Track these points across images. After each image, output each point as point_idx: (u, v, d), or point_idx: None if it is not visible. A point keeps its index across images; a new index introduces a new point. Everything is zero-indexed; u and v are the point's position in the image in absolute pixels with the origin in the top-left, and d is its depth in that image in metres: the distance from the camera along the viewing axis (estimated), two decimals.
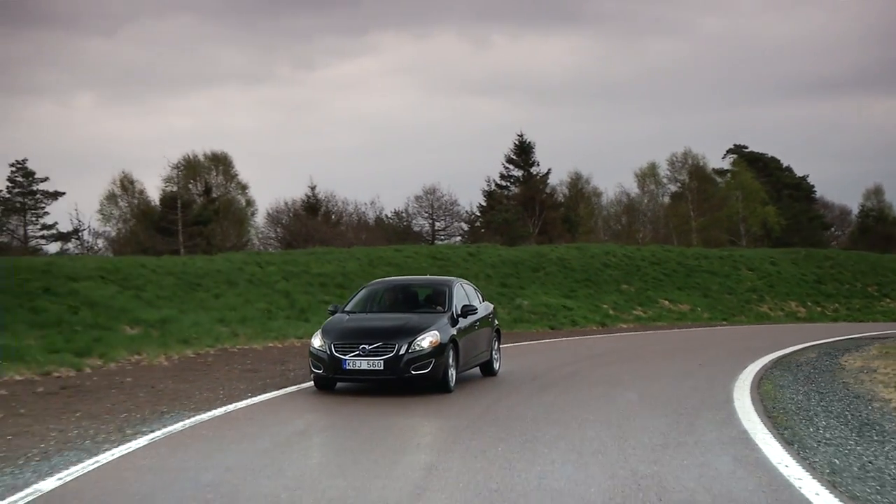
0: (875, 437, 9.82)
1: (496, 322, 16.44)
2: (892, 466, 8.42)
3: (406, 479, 8.08)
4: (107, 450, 9.68)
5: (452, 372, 13.44)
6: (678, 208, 68.77)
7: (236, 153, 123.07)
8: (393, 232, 69.04)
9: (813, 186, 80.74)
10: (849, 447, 9.28)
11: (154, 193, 64.65)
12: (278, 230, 65.76)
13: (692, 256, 49.40)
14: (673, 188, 71.88)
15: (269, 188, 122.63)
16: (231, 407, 12.67)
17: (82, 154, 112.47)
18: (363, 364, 12.76)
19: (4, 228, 54.52)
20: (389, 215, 73.81)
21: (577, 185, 77.21)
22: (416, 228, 72.18)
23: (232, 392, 14.27)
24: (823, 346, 23.16)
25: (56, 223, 55.94)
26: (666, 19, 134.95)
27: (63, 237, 55.84)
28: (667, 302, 41.67)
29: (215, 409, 12.41)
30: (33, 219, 55.72)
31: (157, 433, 10.66)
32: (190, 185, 63.82)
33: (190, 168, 65.30)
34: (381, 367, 12.71)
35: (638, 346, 25.14)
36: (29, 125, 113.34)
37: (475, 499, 7.35)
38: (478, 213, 72.25)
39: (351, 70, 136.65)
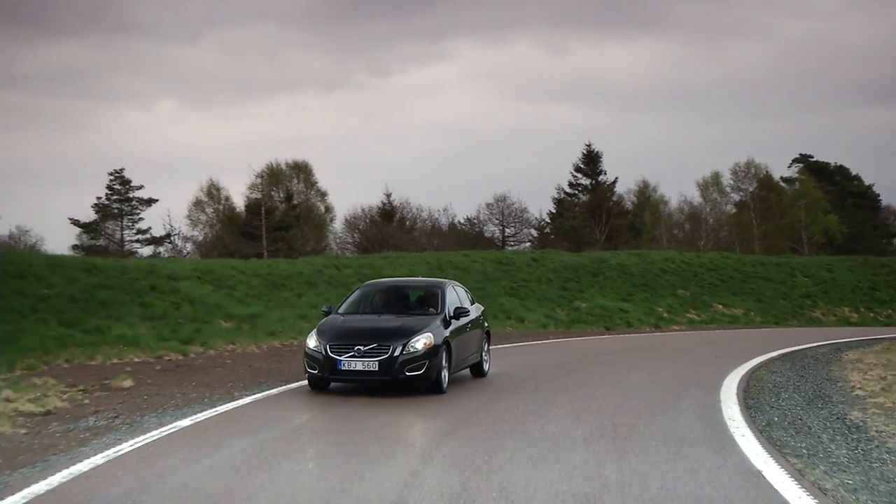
0: (819, 405, 12.37)
1: (486, 324, 16.75)
2: (815, 422, 11.00)
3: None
4: (222, 405, 12.72)
5: (445, 373, 13.66)
6: (741, 217, 70.57)
7: (314, 157, 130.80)
8: (465, 237, 71.88)
9: (878, 195, 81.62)
10: (793, 410, 11.87)
11: (238, 200, 68.78)
12: (355, 235, 69.12)
13: (750, 263, 51.38)
14: (736, 197, 73.72)
15: (345, 191, 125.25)
16: None
17: (164, 158, 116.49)
18: (358, 365, 12.97)
19: (103, 233, 59.04)
20: (462, 221, 76.78)
21: (645, 193, 79.31)
22: (488, 234, 74.99)
23: None
24: (842, 343, 25.39)
25: (150, 228, 60.55)
26: (746, 22, 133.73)
27: (156, 241, 60.32)
28: (720, 306, 43.82)
29: (302, 381, 15.43)
30: (129, 224, 60.11)
31: (259, 395, 13.71)
32: (273, 192, 67.58)
33: (273, 176, 69.15)
34: (376, 369, 12.93)
35: (676, 342, 27.58)
36: (115, 129, 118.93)
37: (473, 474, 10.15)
38: (548, 220, 74.88)
39: (426, 76, 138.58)
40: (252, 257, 47.15)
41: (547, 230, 74.08)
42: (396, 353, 12.94)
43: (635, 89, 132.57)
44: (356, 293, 15.45)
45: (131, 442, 9.75)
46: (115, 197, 59.25)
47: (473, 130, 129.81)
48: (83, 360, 18.19)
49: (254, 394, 13.91)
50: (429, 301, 14.82)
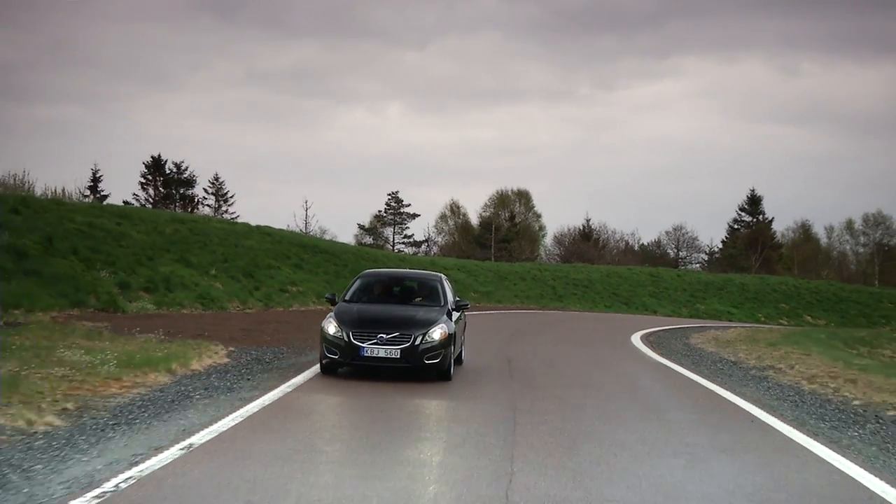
0: (693, 356, 32.47)
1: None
2: (675, 344, 31.25)
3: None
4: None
5: (451, 361, 13.98)
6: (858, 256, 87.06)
7: (534, 165, 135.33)
8: (648, 256, 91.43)
9: None
10: (679, 351, 31.99)
11: (473, 216, 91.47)
12: (560, 249, 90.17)
13: (844, 290, 68.74)
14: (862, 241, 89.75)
15: (559, 198, 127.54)
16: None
17: (391, 159, 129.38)
18: (381, 352, 13.24)
19: (381, 237, 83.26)
20: (647, 244, 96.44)
21: (805, 228, 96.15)
22: (669, 253, 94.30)
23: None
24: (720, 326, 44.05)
25: (413, 234, 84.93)
26: None
27: (416, 244, 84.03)
28: (809, 318, 61.97)
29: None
30: (398, 230, 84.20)
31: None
32: (500, 213, 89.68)
33: (500, 199, 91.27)
34: (398, 356, 13.26)
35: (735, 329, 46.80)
36: (342, 129, 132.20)
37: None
38: (719, 246, 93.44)
39: (651, 92, 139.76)
40: (484, 260, 69.40)
41: (715, 254, 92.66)
42: (417, 342, 13.30)
43: (870, 115, 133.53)
44: (358, 282, 15.58)
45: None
46: (390, 211, 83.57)
47: (695, 148, 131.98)
48: None
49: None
50: (428, 292, 15.35)
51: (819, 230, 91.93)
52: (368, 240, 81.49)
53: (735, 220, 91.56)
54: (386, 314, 14.02)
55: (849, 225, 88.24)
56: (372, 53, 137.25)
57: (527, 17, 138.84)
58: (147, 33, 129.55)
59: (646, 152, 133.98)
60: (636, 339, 26.99)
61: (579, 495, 7.09)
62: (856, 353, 25.25)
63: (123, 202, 62.73)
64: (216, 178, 75.80)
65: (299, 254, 38.92)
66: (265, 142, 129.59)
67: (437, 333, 13.50)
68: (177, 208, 70.14)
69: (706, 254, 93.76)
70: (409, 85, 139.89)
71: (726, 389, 14.41)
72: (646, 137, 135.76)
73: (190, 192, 74.05)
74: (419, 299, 15.13)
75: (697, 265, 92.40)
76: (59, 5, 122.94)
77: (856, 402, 13.18)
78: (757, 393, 14.11)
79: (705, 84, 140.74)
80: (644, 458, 8.70)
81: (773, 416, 11.71)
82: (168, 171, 73.53)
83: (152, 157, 73.13)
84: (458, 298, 15.93)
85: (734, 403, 12.86)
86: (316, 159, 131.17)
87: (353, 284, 15.41)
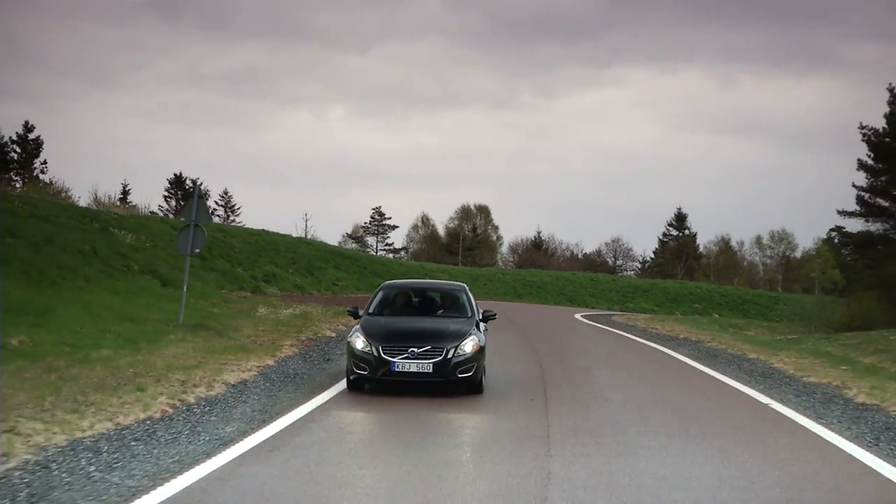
0: (610, 323, 47.15)
1: None
2: (601, 322, 45.90)
3: None
4: None
5: (483, 375, 13.67)
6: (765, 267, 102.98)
7: (477, 172, 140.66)
8: (590, 264, 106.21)
9: None
10: (603, 320, 46.56)
11: (440, 227, 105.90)
12: (514, 257, 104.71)
13: (748, 293, 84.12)
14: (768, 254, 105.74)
15: (505, 204, 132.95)
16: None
17: (333, 162, 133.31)
18: (412, 367, 12.87)
19: (363, 245, 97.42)
20: (589, 253, 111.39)
21: (725, 241, 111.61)
22: (608, 261, 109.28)
23: None
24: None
25: (393, 243, 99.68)
26: None
27: (396, 251, 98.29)
28: (717, 315, 77.05)
29: None
30: (380, 239, 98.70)
31: None
32: (464, 224, 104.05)
33: (465, 213, 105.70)
34: (430, 370, 12.87)
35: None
36: (284, 133, 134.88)
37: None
38: (651, 256, 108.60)
39: (592, 101, 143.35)
40: (451, 265, 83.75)
41: (647, 264, 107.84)
42: (450, 356, 12.94)
43: (803, 128, 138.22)
44: (380, 294, 15.14)
45: None
46: (373, 223, 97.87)
47: (634, 158, 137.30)
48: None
49: None
50: (452, 303, 14.98)
51: (745, 241, 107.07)
52: (353, 245, 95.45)
53: (664, 234, 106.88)
54: (415, 327, 13.70)
55: (758, 240, 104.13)
56: (315, 57, 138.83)
57: (469, 24, 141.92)
58: (90, 32, 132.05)
59: (587, 161, 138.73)
60: (578, 316, 41.31)
61: (547, 347, 21.41)
62: (719, 328, 39.74)
63: (150, 212, 75.93)
64: (225, 192, 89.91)
65: (334, 259, 52.84)
66: (210, 142, 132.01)
67: (468, 346, 13.16)
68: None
69: (640, 262, 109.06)
70: (353, 89, 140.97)
71: (622, 332, 29.06)
72: (587, 146, 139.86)
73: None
74: (443, 311, 14.84)
75: (632, 272, 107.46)
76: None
77: (681, 336, 27.68)
78: (637, 334, 28.61)
79: (645, 94, 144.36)
80: (574, 340, 23.03)
81: (639, 337, 26.34)
82: (187, 187, 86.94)
83: (174, 174, 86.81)
84: (488, 309, 15.31)
85: (627, 336, 27.39)
86: (258, 160, 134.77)
87: (375, 297, 15.01)
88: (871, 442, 10.53)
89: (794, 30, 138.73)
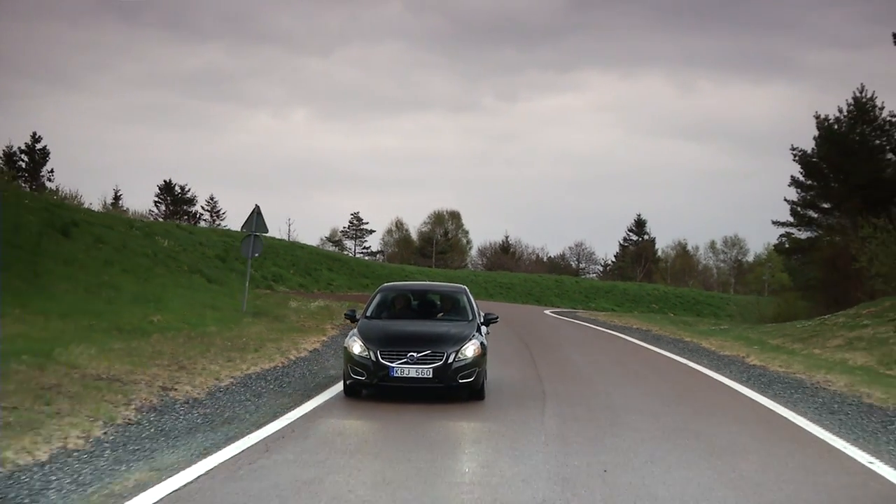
0: (574, 317, 53.04)
1: None
2: (568, 316, 51.74)
3: None
4: None
5: (484, 380, 13.31)
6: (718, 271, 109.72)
7: (439, 175, 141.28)
8: (554, 267, 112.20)
9: None
10: (569, 316, 52.36)
11: (413, 231, 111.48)
12: (483, 260, 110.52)
13: (702, 295, 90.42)
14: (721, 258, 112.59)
15: (470, 208, 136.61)
16: None
17: (296, 164, 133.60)
18: (411, 372, 12.51)
19: (342, 248, 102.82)
20: (554, 256, 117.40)
21: (682, 245, 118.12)
22: (572, 265, 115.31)
23: None
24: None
25: (370, 246, 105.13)
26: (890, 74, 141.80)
27: (373, 254, 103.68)
28: (672, 314, 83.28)
29: None
30: (359, 243, 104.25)
31: None
32: (436, 229, 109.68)
33: (437, 218, 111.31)
34: (430, 375, 12.52)
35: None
36: (248, 134, 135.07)
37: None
38: (613, 259, 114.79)
39: (553, 105, 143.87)
40: (425, 267, 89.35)
41: (609, 267, 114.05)
42: (450, 360, 12.58)
43: (760, 133, 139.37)
44: (378, 297, 14.67)
45: None
46: (352, 228, 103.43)
47: (596, 162, 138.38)
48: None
49: None
50: (453, 305, 14.67)
51: (700, 246, 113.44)
52: (332, 248, 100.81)
53: (625, 239, 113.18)
54: (414, 331, 13.28)
55: (711, 245, 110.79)
56: (276, 59, 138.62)
57: (431, 28, 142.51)
58: (47, 31, 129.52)
59: (549, 165, 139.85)
60: (548, 312, 47.03)
61: (527, 333, 27.09)
62: (669, 322, 45.57)
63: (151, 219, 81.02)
64: (211, 198, 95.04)
65: (326, 262, 58.23)
66: (168, 144, 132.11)
67: (470, 350, 12.78)
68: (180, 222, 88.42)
69: (602, 266, 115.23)
70: (314, 91, 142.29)
71: (587, 323, 34.74)
72: (549, 150, 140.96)
73: (192, 209, 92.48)
74: (443, 314, 14.50)
75: (594, 275, 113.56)
76: None
77: (634, 327, 33.41)
78: (599, 325, 34.34)
79: (606, 99, 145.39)
80: (548, 330, 28.73)
81: (600, 328, 32.02)
82: (176, 193, 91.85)
83: (164, 180, 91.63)
84: (489, 312, 14.94)
85: (590, 327, 33.05)
86: (220, 163, 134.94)
87: (373, 299, 14.56)
88: (744, 379, 16.48)
89: (752, 37, 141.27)
